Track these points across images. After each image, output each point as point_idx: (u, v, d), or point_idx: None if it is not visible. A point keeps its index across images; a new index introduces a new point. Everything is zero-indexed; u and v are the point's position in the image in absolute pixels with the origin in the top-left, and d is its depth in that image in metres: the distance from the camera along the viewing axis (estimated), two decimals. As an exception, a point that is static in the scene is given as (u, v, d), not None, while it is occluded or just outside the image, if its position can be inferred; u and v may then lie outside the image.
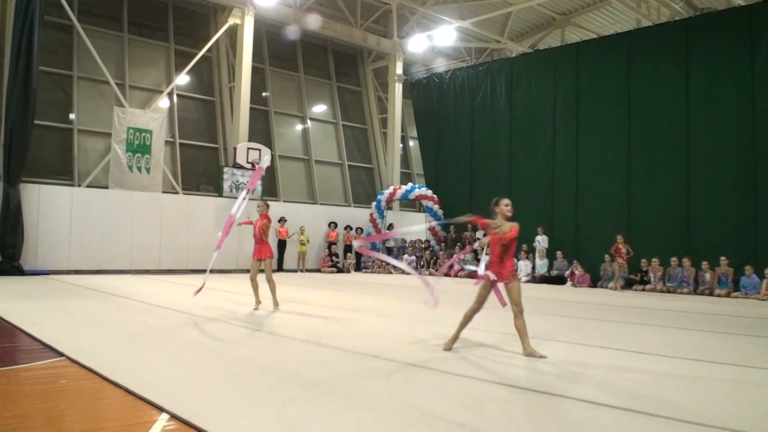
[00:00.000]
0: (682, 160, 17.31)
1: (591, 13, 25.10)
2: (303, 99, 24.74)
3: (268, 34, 23.63)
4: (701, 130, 17.07)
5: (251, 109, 21.35)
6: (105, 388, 4.88)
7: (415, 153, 27.66)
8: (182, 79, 21.14)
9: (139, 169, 18.62)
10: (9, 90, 16.06)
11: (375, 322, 9.12)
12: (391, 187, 24.07)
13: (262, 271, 10.43)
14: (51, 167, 18.31)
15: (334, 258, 22.18)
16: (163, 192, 19.32)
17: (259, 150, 20.94)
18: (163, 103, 20.57)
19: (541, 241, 19.65)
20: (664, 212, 17.45)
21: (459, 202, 23.13)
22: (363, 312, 10.27)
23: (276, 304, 10.20)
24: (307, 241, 21.61)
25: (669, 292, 16.25)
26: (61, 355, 5.97)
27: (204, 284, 10.59)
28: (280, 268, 20.81)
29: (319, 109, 25.62)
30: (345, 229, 22.85)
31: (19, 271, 16.04)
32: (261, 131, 22.87)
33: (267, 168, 21.21)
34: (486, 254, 6.73)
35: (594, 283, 17.94)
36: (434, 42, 24.93)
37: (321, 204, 23.80)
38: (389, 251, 23.66)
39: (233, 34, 21.45)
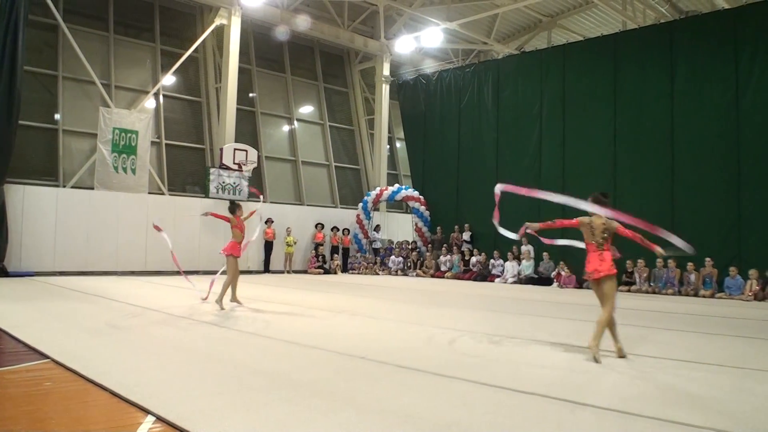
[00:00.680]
0: (667, 162, 17.44)
1: (577, 16, 25.22)
2: (290, 100, 24.70)
3: (255, 35, 23.59)
4: (686, 132, 17.20)
5: (238, 109, 21.29)
6: (90, 390, 4.85)
7: (402, 154, 27.68)
8: (168, 79, 21.06)
9: (125, 170, 18.52)
10: (-7, 90, 15.95)
11: (362, 323, 9.12)
12: (378, 189, 24.08)
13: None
14: (36, 168, 18.17)
15: (320, 259, 22.16)
16: (149, 193, 19.23)
17: (246, 151, 20.89)
18: (149, 103, 20.46)
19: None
20: (649, 213, 17.41)
21: (446, 203, 23.22)
22: (350, 313, 10.26)
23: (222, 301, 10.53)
24: (294, 242, 21.58)
25: (654, 293, 16.35)
26: (46, 357, 5.93)
27: (211, 287, 10.72)
28: (266, 269, 20.79)
29: (306, 110, 25.59)
30: (332, 230, 22.84)
31: (3, 273, 15.91)
32: (248, 132, 22.81)
33: (254, 168, 21.24)
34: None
35: (580, 284, 18.00)
36: (421, 43, 24.95)
37: (308, 205, 23.77)
38: (376, 252, 23.68)
39: (220, 34, 21.39)
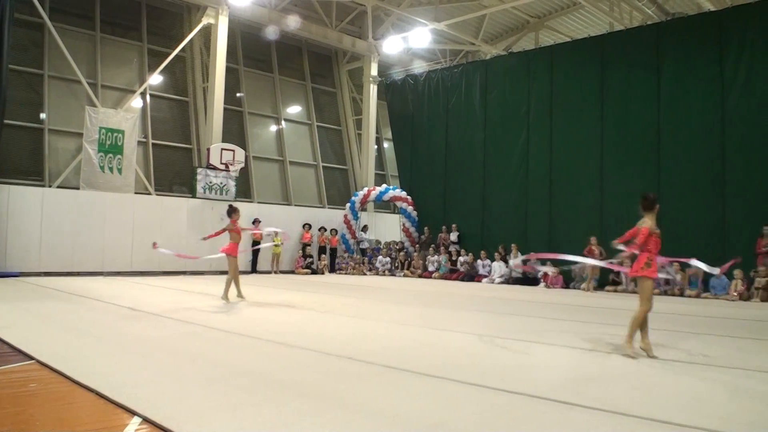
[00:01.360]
0: (653, 162, 17.54)
1: (564, 17, 25.30)
2: (277, 100, 24.65)
3: (243, 35, 23.52)
4: (672, 132, 17.31)
5: (225, 109, 21.22)
6: (76, 391, 4.83)
7: (389, 154, 27.69)
8: (155, 78, 20.96)
9: (111, 169, 18.42)
10: (-22, 89, 15.82)
11: (349, 324, 9.12)
12: (366, 189, 24.07)
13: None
14: (21, 167, 18.04)
15: (308, 259, 22.12)
16: (136, 193, 19.13)
17: (233, 151, 20.83)
18: (136, 102, 20.35)
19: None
20: (636, 214, 17.57)
21: (433, 204, 23.25)
22: (336, 313, 10.26)
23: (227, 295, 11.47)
24: (281, 242, 21.53)
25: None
26: (31, 358, 5.89)
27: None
28: (254, 270, 20.73)
29: (294, 110, 25.55)
30: (319, 230, 22.81)
31: (-12, 273, 15.81)
32: (235, 132, 22.74)
33: (241, 168, 21.19)
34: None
35: (567, 284, 18.09)
36: (409, 44, 24.96)
37: (295, 205, 23.73)
38: (363, 252, 23.67)
39: (207, 33, 21.32)
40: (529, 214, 20.20)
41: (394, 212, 25.97)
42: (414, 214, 23.69)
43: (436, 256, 21.63)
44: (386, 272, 22.43)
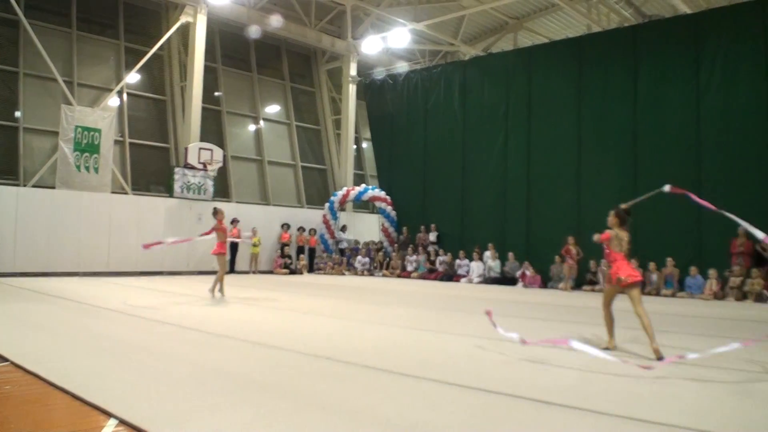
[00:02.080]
0: (630, 163, 17.71)
1: (543, 18, 25.45)
2: (256, 99, 24.56)
3: (221, 33, 23.41)
4: (648, 133, 17.50)
5: (203, 108, 21.11)
6: (51, 393, 4.78)
7: (368, 154, 27.69)
8: (132, 77, 20.80)
9: (88, 168, 18.24)
10: (-49, 86, 15.61)
11: (328, 324, 9.11)
12: (345, 189, 24.06)
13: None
14: (-5, 166, 17.86)
15: (286, 259, 22.06)
16: (112, 192, 18.96)
17: (211, 150, 20.72)
18: (113, 101, 20.18)
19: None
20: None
21: (412, 204, 23.30)
22: (315, 314, 10.25)
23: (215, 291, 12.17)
24: (260, 242, 21.46)
25: (617, 292, 16.55)
26: (5, 360, 5.82)
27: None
28: (232, 270, 20.62)
29: (273, 109, 25.47)
30: (298, 230, 22.75)
31: (-39, 273, 15.60)
32: (213, 131, 22.63)
33: (219, 168, 21.09)
34: None
35: (545, 283, 18.20)
36: (388, 44, 24.98)
37: (274, 205, 23.65)
38: (342, 252, 23.65)
39: (185, 32, 21.19)
40: (508, 214, 20.30)
41: (373, 212, 25.98)
42: (393, 214, 23.72)
43: (414, 256, 21.67)
44: (365, 272, 22.42)
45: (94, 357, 6.16)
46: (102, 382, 5.03)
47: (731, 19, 16.52)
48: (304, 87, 26.59)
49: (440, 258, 21.06)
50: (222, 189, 22.24)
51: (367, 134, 27.21)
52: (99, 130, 18.49)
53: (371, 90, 25.70)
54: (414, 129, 23.74)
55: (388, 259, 22.68)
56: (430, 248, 21.73)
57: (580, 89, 18.99)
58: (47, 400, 4.64)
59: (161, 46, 20.92)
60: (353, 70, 25.55)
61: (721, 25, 16.65)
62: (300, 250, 22.88)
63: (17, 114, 18.42)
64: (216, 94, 23.26)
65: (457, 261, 20.57)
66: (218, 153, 20.98)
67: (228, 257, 20.33)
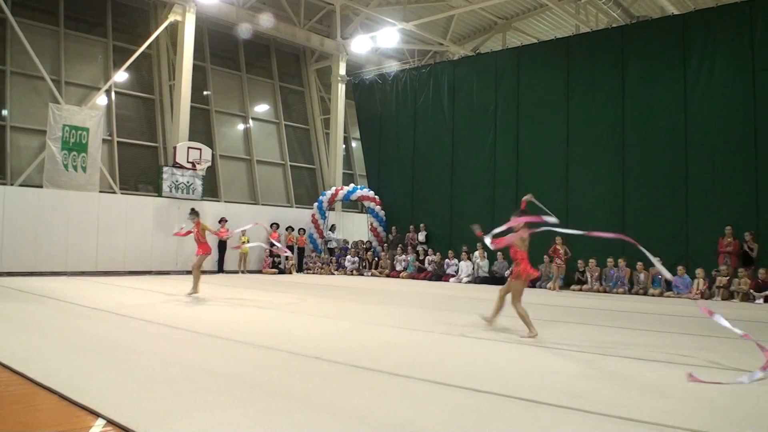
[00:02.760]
0: (618, 163, 17.81)
1: (532, 18, 25.53)
2: (245, 98, 24.50)
3: (210, 32, 23.34)
4: (636, 133, 17.60)
5: (192, 107, 21.01)
6: (38, 393, 4.75)
7: (357, 154, 27.68)
8: (121, 76, 20.70)
9: (75, 167, 18.14)
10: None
11: (316, 323, 9.10)
12: (334, 188, 24.05)
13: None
14: (-18, 165, 17.73)
15: (275, 259, 22.02)
16: (100, 192, 18.87)
17: (200, 149, 20.65)
18: (101, 100, 20.07)
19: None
20: (601, 214, 17.89)
21: (401, 204, 23.32)
22: (304, 313, 10.24)
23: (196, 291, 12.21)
24: (248, 242, 21.38)
25: (605, 292, 16.65)
26: (-8, 360, 5.79)
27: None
28: (220, 269, 20.58)
29: (262, 108, 25.42)
30: (287, 230, 22.72)
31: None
32: (202, 130, 22.56)
33: (208, 167, 21.01)
34: None
35: (533, 283, 18.22)
36: (377, 43, 25.00)
37: (263, 204, 23.60)
38: (331, 252, 23.64)
39: (174, 31, 21.10)
40: (497, 213, 20.25)
41: (361, 212, 25.97)
42: (382, 213, 23.73)
43: (403, 256, 21.68)
44: (354, 272, 22.42)
45: (82, 357, 6.13)
46: (90, 382, 5.01)
47: (718, 19, 16.64)
48: (293, 86, 26.55)
49: (429, 257, 21.09)
50: (211, 188, 22.18)
51: (356, 134, 27.21)
52: (87, 129, 18.39)
53: (360, 89, 25.71)
54: (403, 128, 23.76)
55: (377, 258, 22.69)
56: (419, 248, 21.75)
57: (568, 89, 19.07)
58: (35, 401, 4.61)
59: (150, 44, 20.82)
60: (342, 70, 25.53)
61: (708, 26, 16.76)
62: (289, 249, 22.83)
63: (4, 112, 18.30)
64: (205, 93, 23.19)
65: (446, 260, 20.60)
66: (207, 152, 20.91)
67: (217, 257, 20.46)
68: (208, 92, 23.32)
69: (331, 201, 23.73)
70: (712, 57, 16.58)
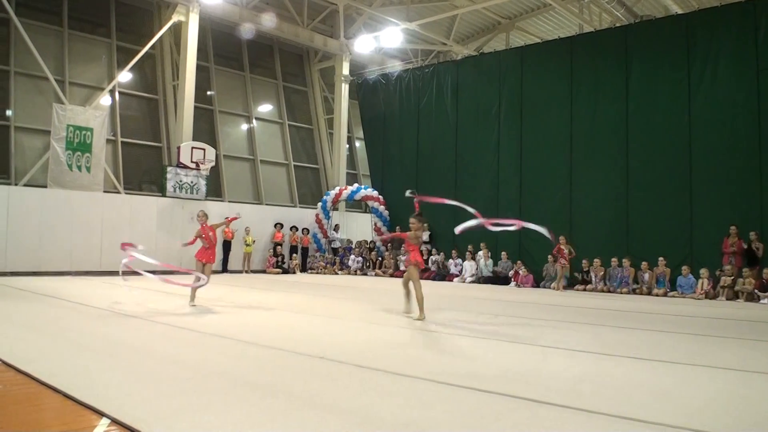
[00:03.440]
0: (622, 163, 17.76)
1: (535, 18, 25.51)
2: (248, 98, 24.52)
3: (214, 32, 23.36)
4: (640, 133, 17.55)
5: (195, 107, 21.04)
6: (43, 393, 4.76)
7: (361, 154, 27.69)
8: (124, 76, 20.72)
9: (80, 167, 18.18)
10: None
11: (320, 323, 9.10)
12: (337, 188, 24.05)
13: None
14: (-14, 165, 17.76)
15: (279, 259, 22.03)
16: (104, 192, 18.91)
17: (204, 149, 20.67)
18: (105, 100, 20.12)
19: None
20: (605, 214, 17.88)
21: (405, 203, 23.05)
22: (308, 313, 10.24)
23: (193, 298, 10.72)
24: (253, 241, 21.43)
25: (609, 291, 16.62)
26: (-4, 359, 5.80)
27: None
28: (224, 269, 20.59)
29: (265, 108, 25.43)
30: (291, 229, 22.73)
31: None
32: (205, 130, 22.58)
33: (212, 167, 21.03)
34: None
35: (537, 283, 18.23)
36: (381, 43, 25.00)
37: (266, 204, 23.62)
38: (335, 252, 23.64)
39: (177, 31, 21.13)
40: (500, 213, 20.28)
41: (365, 211, 25.98)
42: (385, 213, 23.72)
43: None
44: (358, 272, 22.42)
45: (86, 356, 6.13)
46: (94, 381, 5.01)
47: (722, 18, 16.58)
48: (297, 86, 26.56)
49: (433, 257, 21.08)
50: (215, 188, 22.20)
51: (360, 133, 27.20)
52: (91, 129, 18.43)
53: (364, 89, 25.71)
54: (406, 128, 23.75)
55: (380, 258, 22.68)
56: (423, 247, 21.72)
57: (572, 89, 19.03)
58: (39, 400, 4.62)
59: (153, 45, 20.85)
60: (346, 70, 25.54)
61: (712, 25, 16.71)
62: (293, 249, 22.86)
63: (8, 113, 18.34)
64: (208, 93, 23.22)
65: (450, 260, 20.59)
66: (211, 152, 20.94)
67: (221, 257, 20.47)
68: (212, 92, 23.34)
69: (335, 201, 23.74)
70: (716, 56, 16.53)
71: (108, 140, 19.51)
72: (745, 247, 15.26)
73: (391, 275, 21.42)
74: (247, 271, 21.22)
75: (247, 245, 21.24)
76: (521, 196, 19.85)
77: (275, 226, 22.45)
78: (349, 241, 24.24)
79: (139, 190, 20.64)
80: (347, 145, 26.52)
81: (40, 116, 18.55)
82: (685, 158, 16.72)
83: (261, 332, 7.93)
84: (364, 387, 5.09)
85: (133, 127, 21.09)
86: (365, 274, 22.10)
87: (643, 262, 16.42)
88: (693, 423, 4.22)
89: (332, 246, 23.80)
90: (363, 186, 24.45)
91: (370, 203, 24.16)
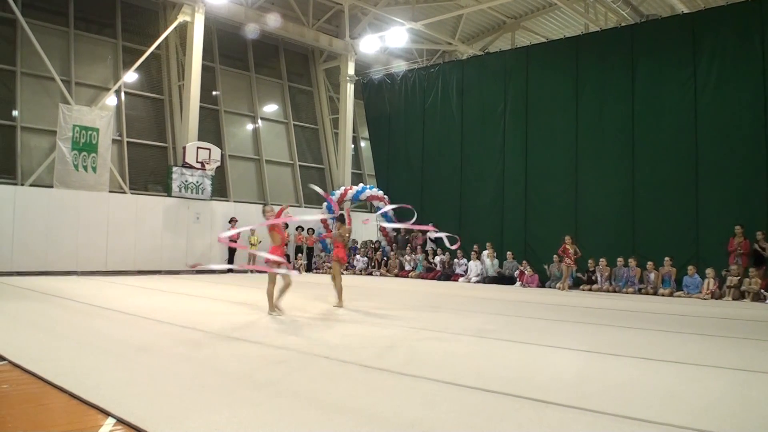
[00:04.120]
0: (628, 162, 17.72)
1: (540, 18, 25.46)
2: (254, 98, 24.55)
3: (219, 33, 23.39)
4: (646, 133, 17.50)
5: (201, 107, 21.07)
6: (49, 392, 4.78)
7: (366, 153, 27.69)
8: (130, 76, 20.78)
9: (85, 168, 18.22)
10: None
11: (324, 323, 9.10)
12: (343, 188, 24.04)
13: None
14: (-7, 165, 17.82)
15: (285, 259, 21.98)
16: (110, 192, 18.95)
17: (209, 149, 20.70)
18: (111, 100, 20.15)
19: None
20: (611, 213, 17.85)
21: (410, 203, 23.12)
22: (312, 313, 10.24)
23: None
24: (258, 242, 21.41)
25: (615, 291, 16.58)
26: (3, 359, 5.82)
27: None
28: (230, 269, 20.61)
29: (270, 108, 25.45)
30: (296, 230, 22.74)
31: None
32: (211, 130, 22.61)
33: (217, 167, 21.05)
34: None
35: (542, 283, 18.19)
36: (386, 43, 24.99)
37: (272, 204, 23.55)
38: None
39: (183, 31, 21.16)
40: (505, 213, 20.32)
41: (370, 211, 25.97)
42: (391, 213, 23.69)
43: (412, 256, 21.67)
44: (363, 272, 22.43)
45: (92, 356, 6.15)
46: (100, 381, 5.03)
47: (728, 18, 16.52)
48: (302, 86, 26.58)
49: (438, 257, 21.07)
50: (220, 188, 22.24)
51: (365, 133, 27.21)
52: (97, 130, 18.47)
53: (369, 89, 25.72)
54: (412, 128, 23.74)
55: (385, 258, 22.68)
56: (428, 247, 21.74)
57: (577, 88, 18.99)
58: (45, 399, 4.63)
59: (159, 45, 20.90)
60: (351, 70, 25.53)
61: (718, 24, 16.66)
62: (298, 249, 22.87)
63: (15, 113, 18.38)
64: (214, 93, 23.25)
65: (455, 260, 20.58)
66: (216, 152, 20.97)
67: (227, 257, 20.49)
68: (217, 92, 23.37)
69: (340, 201, 23.72)
70: (722, 55, 16.48)
71: (114, 140, 19.57)
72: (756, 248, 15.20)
73: (396, 275, 21.42)
74: (252, 271, 21.22)
75: (253, 245, 21.21)
76: (527, 196, 19.83)
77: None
78: (355, 242, 24.23)
79: (144, 190, 20.67)
80: (352, 145, 26.52)
81: (46, 116, 18.61)
82: (691, 158, 16.67)
83: (266, 332, 7.94)
84: (369, 386, 5.09)
85: (138, 127, 21.14)
86: (370, 274, 22.10)
87: (649, 262, 16.38)
88: (699, 423, 4.21)
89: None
90: (368, 186, 24.44)
91: (375, 203, 24.15)
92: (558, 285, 17.47)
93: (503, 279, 19.05)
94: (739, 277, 14.98)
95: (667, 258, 16.11)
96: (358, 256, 22.95)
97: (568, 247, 17.22)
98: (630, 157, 17.70)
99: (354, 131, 26.61)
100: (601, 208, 18.04)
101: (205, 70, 21.50)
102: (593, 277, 17.34)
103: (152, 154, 21.46)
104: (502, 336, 8.04)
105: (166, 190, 20.17)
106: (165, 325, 8.27)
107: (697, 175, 16.52)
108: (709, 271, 15.35)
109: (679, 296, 15.55)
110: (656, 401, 4.80)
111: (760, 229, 15.20)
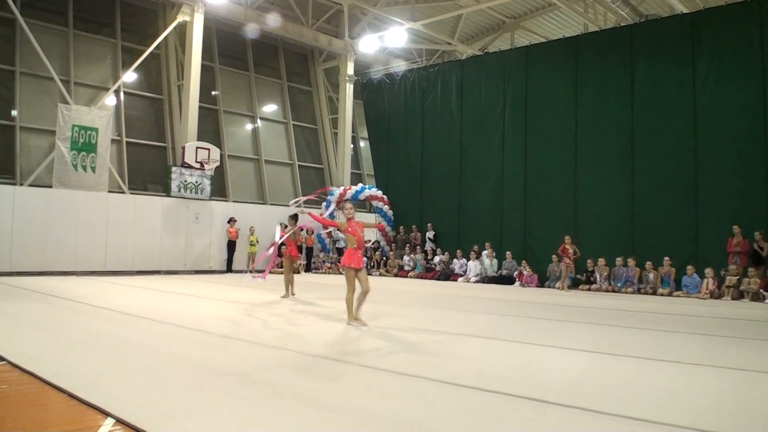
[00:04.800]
0: (627, 162, 17.73)
1: (540, 18, 25.46)
2: (253, 98, 24.54)
3: (218, 32, 23.38)
4: (645, 133, 17.51)
5: (200, 107, 21.06)
6: (48, 392, 4.77)
7: (365, 153, 27.69)
8: (129, 76, 20.77)
9: (85, 168, 18.21)
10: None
11: (324, 323, 9.09)
12: (342, 188, 24.04)
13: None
14: (-8, 165, 17.80)
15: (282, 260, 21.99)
16: (109, 192, 18.94)
17: (208, 149, 20.69)
18: (110, 100, 20.14)
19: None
20: (610, 213, 17.85)
21: (409, 203, 23.29)
22: (311, 313, 10.24)
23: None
24: (257, 241, 21.43)
25: (614, 291, 16.59)
26: (2, 359, 5.80)
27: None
28: (229, 269, 20.62)
29: (270, 108, 25.45)
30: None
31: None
32: (210, 130, 22.60)
33: (216, 167, 21.04)
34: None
35: (542, 283, 18.21)
36: (385, 43, 24.99)
37: (271, 204, 23.63)
38: (340, 252, 23.61)
39: (182, 31, 21.15)
40: (505, 213, 20.31)
41: (370, 211, 25.95)
42: (390, 213, 23.71)
43: (411, 255, 21.67)
44: (362, 271, 22.39)
45: (91, 356, 6.14)
46: (99, 381, 5.02)
47: (727, 18, 16.54)
48: (301, 86, 26.58)
49: (437, 257, 21.07)
50: (219, 188, 22.23)
51: (364, 133, 27.20)
52: (96, 129, 18.46)
53: (368, 89, 25.71)
54: (411, 128, 23.74)
55: (385, 258, 22.68)
56: (427, 247, 21.75)
57: (576, 88, 18.99)
58: (44, 400, 4.63)
59: (158, 45, 20.90)
60: (350, 70, 25.53)
61: (717, 25, 16.67)
62: (297, 249, 22.83)
63: (14, 113, 18.38)
64: (213, 93, 23.24)
65: (455, 260, 20.58)
66: (215, 152, 20.95)
67: (225, 257, 20.49)
68: (217, 92, 23.36)
69: (340, 200, 23.72)
70: (722, 55, 16.49)
71: (113, 140, 19.56)
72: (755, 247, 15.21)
73: (396, 275, 21.42)
74: (251, 271, 21.20)
75: (252, 245, 21.24)
76: (526, 196, 19.83)
77: (279, 225, 22.39)
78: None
79: (143, 190, 20.67)
80: (351, 145, 26.52)
81: (45, 116, 18.59)
82: (691, 158, 16.68)
83: (265, 332, 7.94)
84: (368, 387, 5.08)
85: (137, 127, 21.13)
86: (370, 274, 22.02)
87: (648, 262, 16.40)
88: (699, 423, 4.21)
89: (337, 246, 23.78)
90: (367, 186, 24.44)
91: (374, 203, 24.15)
92: (557, 285, 17.48)
93: (502, 279, 19.06)
94: (738, 277, 15.01)
95: (666, 258, 16.13)
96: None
97: (567, 246, 17.23)
98: (629, 157, 17.71)
99: (353, 131, 26.61)
100: (600, 208, 18.05)
101: (205, 69, 21.48)
102: (592, 277, 17.35)
103: (151, 154, 21.45)
104: (501, 336, 8.03)
105: (165, 190, 20.14)
106: (164, 325, 8.26)
107: (697, 175, 16.53)
108: (708, 271, 15.37)
109: (678, 296, 15.57)
110: (656, 401, 4.80)
111: (758, 228, 15.21)
